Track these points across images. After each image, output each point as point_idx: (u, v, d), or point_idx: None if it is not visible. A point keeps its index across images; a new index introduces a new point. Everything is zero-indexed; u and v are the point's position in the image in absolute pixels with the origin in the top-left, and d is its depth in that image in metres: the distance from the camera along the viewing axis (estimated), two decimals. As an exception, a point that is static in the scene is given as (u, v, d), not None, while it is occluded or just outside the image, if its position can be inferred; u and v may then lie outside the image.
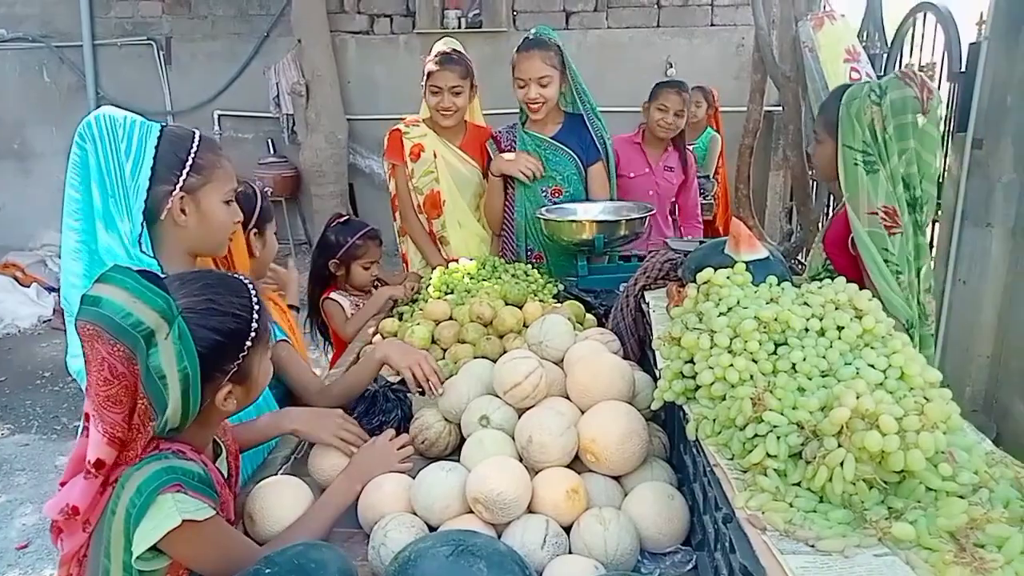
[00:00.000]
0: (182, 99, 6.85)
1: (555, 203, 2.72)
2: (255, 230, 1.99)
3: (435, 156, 2.85)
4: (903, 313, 1.78)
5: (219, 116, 6.83)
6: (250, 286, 1.20)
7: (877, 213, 1.79)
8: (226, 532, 1.16)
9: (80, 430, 1.13)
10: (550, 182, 2.77)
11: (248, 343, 1.16)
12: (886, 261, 1.78)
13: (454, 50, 2.83)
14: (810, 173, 3.04)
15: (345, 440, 1.50)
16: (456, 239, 2.90)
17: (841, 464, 0.97)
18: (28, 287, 6.14)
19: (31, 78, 7.03)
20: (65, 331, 1.38)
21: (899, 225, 1.79)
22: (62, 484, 1.13)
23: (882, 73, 4.17)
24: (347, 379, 1.77)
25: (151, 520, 1.05)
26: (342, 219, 2.71)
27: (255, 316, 1.17)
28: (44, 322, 5.88)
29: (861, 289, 1.72)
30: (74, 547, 1.12)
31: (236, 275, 1.24)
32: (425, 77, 2.79)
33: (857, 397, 1.00)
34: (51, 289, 6.15)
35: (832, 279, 1.83)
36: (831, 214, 4.21)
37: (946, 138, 3.60)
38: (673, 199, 3.45)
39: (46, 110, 7.03)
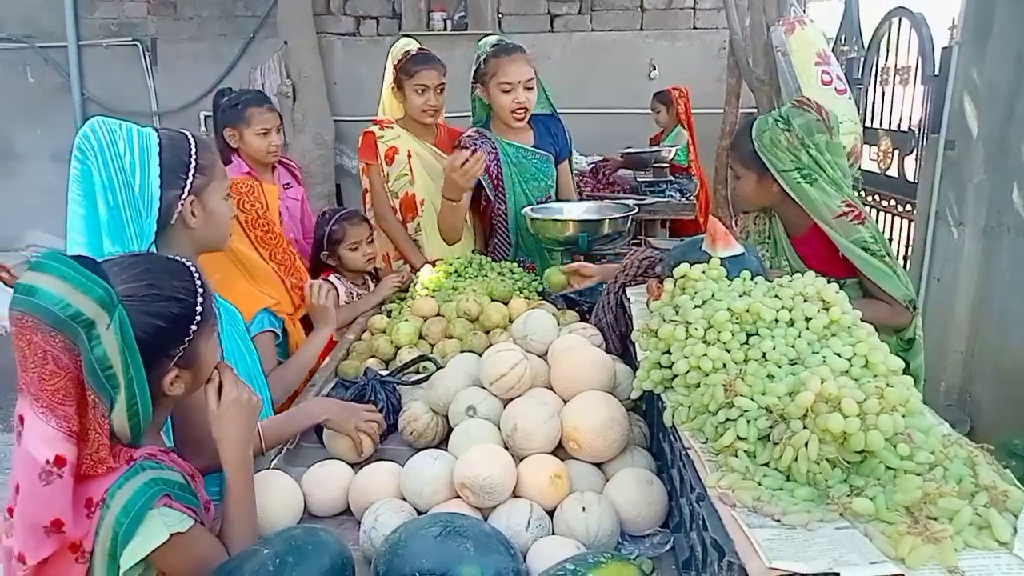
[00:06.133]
0: (168, 100, 6.85)
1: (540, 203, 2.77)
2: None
3: (409, 157, 2.84)
4: (904, 293, 1.96)
5: (205, 117, 6.81)
6: (193, 269, 1.19)
7: (844, 213, 1.93)
8: (205, 540, 1.15)
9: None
10: (541, 191, 2.78)
11: (193, 327, 1.14)
12: (866, 250, 1.94)
13: (426, 49, 2.86)
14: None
15: (366, 432, 1.59)
16: (435, 239, 2.87)
17: (806, 445, 1.03)
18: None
19: (15, 79, 6.99)
20: None
21: (861, 211, 1.96)
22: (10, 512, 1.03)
23: (859, 75, 4.27)
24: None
25: (139, 537, 1.04)
26: (323, 213, 2.72)
27: (199, 299, 1.16)
28: (29, 323, 5.86)
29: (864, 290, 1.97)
30: None
31: (179, 259, 1.22)
32: (402, 78, 2.79)
33: (822, 382, 1.06)
34: (36, 290, 6.13)
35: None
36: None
37: (921, 139, 3.70)
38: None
39: (30, 111, 7.00)
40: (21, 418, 1.01)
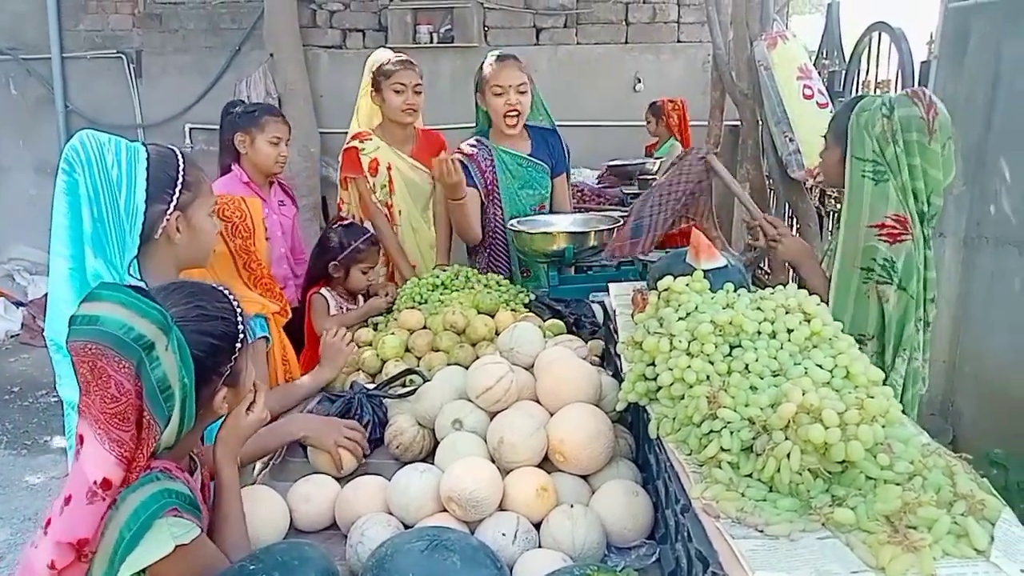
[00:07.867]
0: (153, 112, 6.81)
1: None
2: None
3: (389, 169, 2.95)
4: (856, 326, 1.83)
5: (190, 129, 6.80)
6: (227, 292, 1.24)
7: (881, 225, 1.79)
8: (207, 550, 1.15)
9: (70, 459, 1.10)
10: (535, 199, 2.85)
11: (238, 344, 1.20)
12: (868, 268, 1.79)
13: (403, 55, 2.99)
14: (768, 183, 3.16)
15: (346, 448, 1.58)
16: (410, 246, 3.03)
17: (788, 456, 1.05)
18: (-5, 302, 6.07)
19: (-3, 91, 6.96)
20: (51, 359, 1.37)
21: (909, 233, 1.80)
22: (47, 527, 1.07)
23: (841, 88, 4.33)
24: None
25: (144, 545, 1.04)
26: (344, 222, 2.71)
27: (239, 319, 1.21)
28: (12, 337, 5.81)
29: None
30: None
31: (213, 283, 1.27)
32: (380, 80, 2.89)
33: (803, 394, 1.08)
34: (19, 304, 6.08)
35: None
36: (795, 224, 4.31)
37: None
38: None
39: (13, 123, 6.95)
40: (81, 437, 1.05)
